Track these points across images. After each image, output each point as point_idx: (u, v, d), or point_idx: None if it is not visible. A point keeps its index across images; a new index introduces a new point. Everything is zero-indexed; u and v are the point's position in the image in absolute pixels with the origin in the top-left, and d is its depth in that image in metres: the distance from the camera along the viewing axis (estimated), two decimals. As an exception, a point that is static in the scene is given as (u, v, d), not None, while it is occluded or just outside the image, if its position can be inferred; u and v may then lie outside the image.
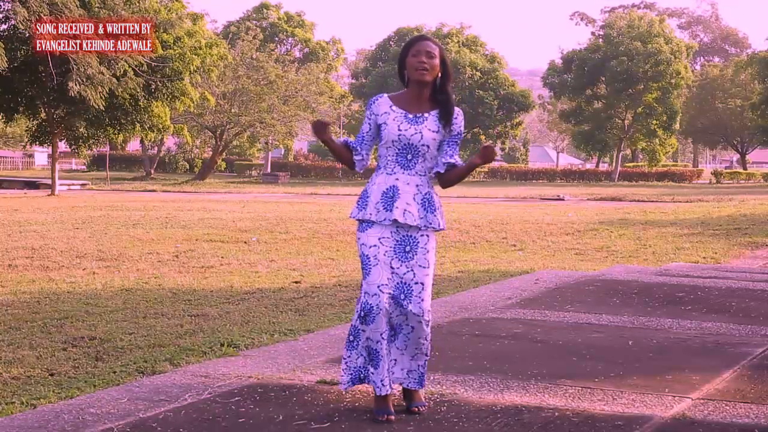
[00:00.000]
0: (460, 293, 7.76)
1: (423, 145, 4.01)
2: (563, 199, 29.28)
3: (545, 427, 3.87)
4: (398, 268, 3.99)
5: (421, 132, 4.01)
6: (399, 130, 4.01)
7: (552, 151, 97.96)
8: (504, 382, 4.58)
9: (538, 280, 8.42)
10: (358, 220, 4.06)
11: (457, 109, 4.09)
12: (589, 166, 73.42)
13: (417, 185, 4.03)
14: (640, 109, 56.21)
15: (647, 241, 13.80)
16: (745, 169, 65.00)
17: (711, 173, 60.26)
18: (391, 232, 4.00)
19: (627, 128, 57.32)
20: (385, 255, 3.98)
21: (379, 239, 3.99)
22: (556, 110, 69.31)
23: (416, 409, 4.05)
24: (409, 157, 4.02)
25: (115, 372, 5.04)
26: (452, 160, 4.08)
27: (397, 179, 4.01)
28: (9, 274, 9.30)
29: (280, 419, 3.96)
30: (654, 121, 56.58)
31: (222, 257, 11.10)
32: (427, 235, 4.04)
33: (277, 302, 7.59)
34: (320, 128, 4.04)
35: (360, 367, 4.06)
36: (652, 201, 27.91)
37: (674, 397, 4.33)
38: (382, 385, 3.98)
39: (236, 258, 11.05)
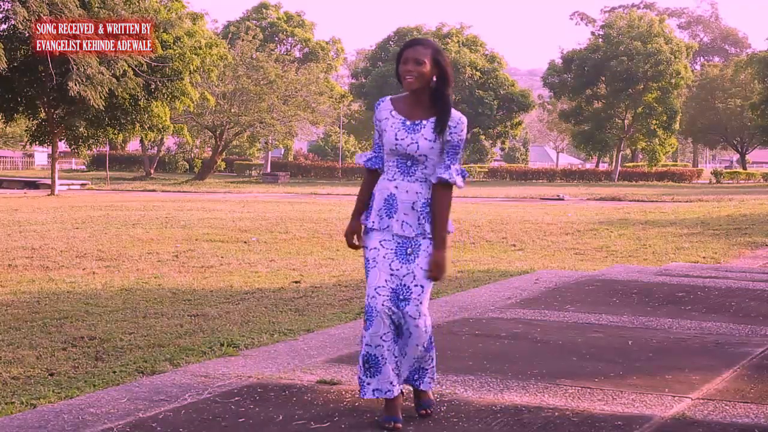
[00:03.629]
0: (460, 293, 7.76)
1: (420, 154, 3.90)
2: (563, 199, 29.28)
3: (545, 427, 3.87)
4: (398, 269, 3.92)
5: (417, 142, 3.89)
6: (396, 139, 3.91)
7: (552, 151, 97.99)
8: (504, 382, 4.57)
9: (538, 280, 8.41)
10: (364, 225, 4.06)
11: (458, 117, 3.93)
12: (589, 166, 73.41)
13: (417, 192, 3.93)
14: (640, 109, 56.20)
15: (647, 241, 13.79)
16: (744, 169, 65.01)
17: (711, 173, 60.27)
18: (393, 235, 3.96)
19: (627, 128, 57.32)
20: (384, 258, 3.93)
21: (380, 242, 3.96)
22: (556, 110, 69.28)
23: (425, 411, 4.04)
24: (409, 164, 3.94)
25: (115, 372, 5.04)
26: (444, 176, 3.89)
27: (396, 187, 3.93)
28: (9, 274, 9.30)
29: (280, 419, 3.95)
30: (654, 121, 56.57)
31: (222, 257, 11.10)
32: (430, 238, 3.95)
33: (277, 302, 7.58)
34: (352, 236, 4.05)
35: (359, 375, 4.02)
36: (652, 201, 27.90)
37: (674, 397, 4.33)
38: (392, 386, 3.93)
39: (236, 258, 11.04)
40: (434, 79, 3.92)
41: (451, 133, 3.91)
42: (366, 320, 3.93)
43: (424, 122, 3.92)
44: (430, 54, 3.89)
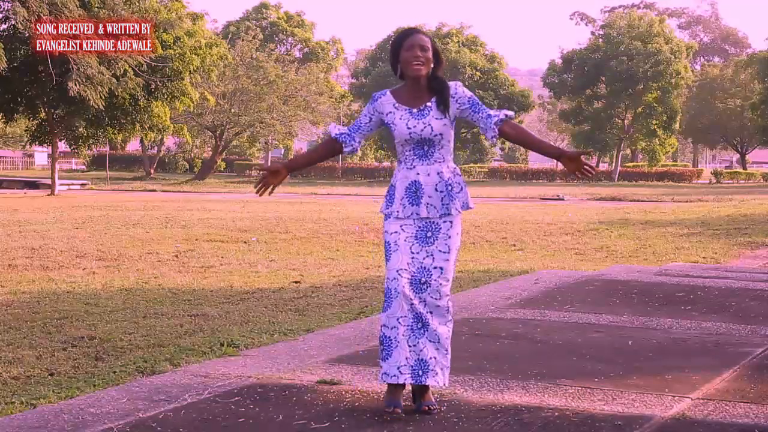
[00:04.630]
0: (460, 293, 7.75)
1: (435, 135, 4.08)
2: (563, 199, 29.29)
3: (545, 427, 3.87)
4: (418, 253, 4.04)
5: (430, 124, 4.07)
6: (408, 128, 4.08)
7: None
8: (504, 382, 4.57)
9: (538, 280, 8.41)
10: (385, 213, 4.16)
11: (452, 84, 4.12)
12: (588, 166, 73.27)
13: (438, 173, 4.09)
14: (640, 109, 56.18)
15: (647, 241, 13.79)
16: (745, 169, 64.97)
17: (711, 173, 60.24)
18: (414, 220, 4.08)
19: (627, 128, 57.31)
20: (405, 241, 4.04)
21: (401, 226, 4.07)
22: (556, 110, 69.23)
23: (426, 408, 4.03)
24: (426, 148, 4.10)
25: (114, 372, 5.04)
26: (499, 116, 4.08)
27: (417, 173, 4.08)
28: (9, 274, 9.30)
29: (280, 419, 3.95)
30: (654, 121, 56.56)
31: (222, 257, 11.10)
32: (450, 221, 4.09)
33: (277, 302, 7.59)
34: (271, 179, 4.35)
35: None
36: (652, 201, 27.90)
37: (674, 397, 4.33)
38: (399, 372, 3.95)
39: (236, 258, 11.05)
40: (431, 65, 4.13)
41: (458, 99, 4.12)
42: (384, 301, 4.00)
43: (429, 104, 4.11)
44: (429, 41, 4.12)
